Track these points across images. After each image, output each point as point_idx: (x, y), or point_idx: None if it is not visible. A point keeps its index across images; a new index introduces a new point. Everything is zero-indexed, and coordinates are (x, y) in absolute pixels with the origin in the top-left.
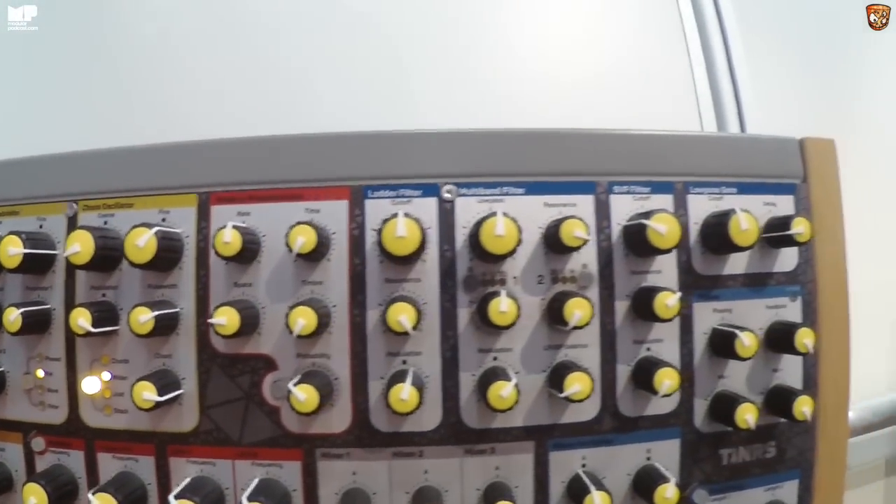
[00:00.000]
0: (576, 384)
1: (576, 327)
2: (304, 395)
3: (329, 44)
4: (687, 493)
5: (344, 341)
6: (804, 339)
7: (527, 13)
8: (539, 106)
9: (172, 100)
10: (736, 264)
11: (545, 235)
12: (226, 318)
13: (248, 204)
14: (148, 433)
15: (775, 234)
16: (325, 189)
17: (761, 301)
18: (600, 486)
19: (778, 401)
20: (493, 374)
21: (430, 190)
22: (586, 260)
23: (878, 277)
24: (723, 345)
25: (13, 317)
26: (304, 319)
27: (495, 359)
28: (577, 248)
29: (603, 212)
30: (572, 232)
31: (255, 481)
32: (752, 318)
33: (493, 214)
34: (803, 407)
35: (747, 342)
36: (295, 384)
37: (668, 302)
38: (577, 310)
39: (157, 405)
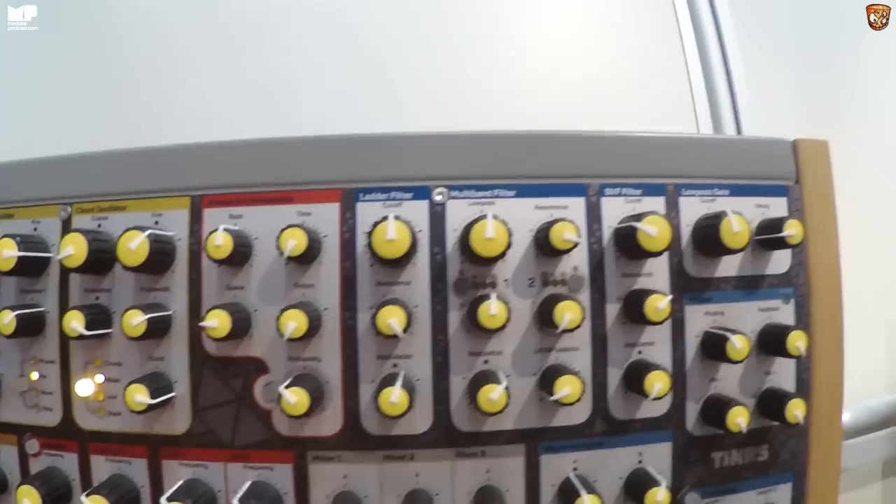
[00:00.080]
0: (566, 387)
1: (566, 330)
2: (295, 398)
3: (322, 48)
4: (679, 496)
5: (335, 344)
6: (796, 341)
7: (522, 16)
8: (535, 109)
9: (168, 102)
10: (728, 266)
11: (536, 238)
12: (217, 321)
13: (240, 207)
14: (141, 435)
15: (767, 236)
16: (316, 192)
17: (754, 303)
18: (591, 490)
19: (770, 404)
20: (484, 378)
21: (422, 193)
22: (577, 262)
23: (875, 279)
24: (715, 348)
25: (7, 319)
26: (294, 322)
27: (486, 362)
28: (567, 251)
29: (594, 214)
30: (562, 235)
31: (247, 484)
32: (745, 320)
33: (483, 217)
34: (796, 410)
35: (739, 345)
36: (286, 387)
37: (658, 305)
38: (568, 312)
39: (150, 408)
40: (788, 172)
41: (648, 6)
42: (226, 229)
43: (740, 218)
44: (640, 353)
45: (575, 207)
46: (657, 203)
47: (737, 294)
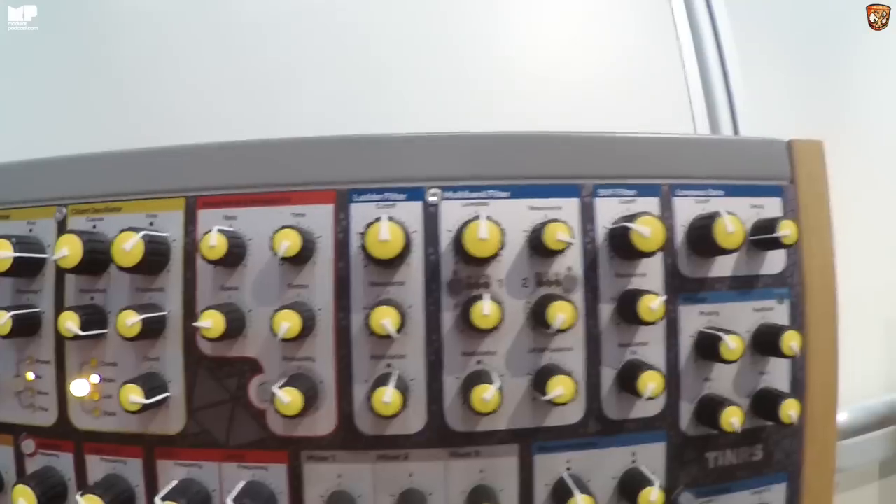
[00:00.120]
0: (559, 387)
1: (559, 330)
2: (289, 398)
3: (323, 48)
4: (674, 495)
5: (329, 344)
6: (790, 341)
7: (520, 17)
8: (534, 109)
9: (168, 102)
10: (723, 267)
11: (530, 239)
12: (211, 322)
13: (234, 208)
14: (136, 435)
15: (762, 236)
16: (310, 193)
17: (748, 304)
18: (585, 490)
19: (764, 404)
20: (477, 378)
21: (416, 194)
22: (571, 263)
23: (873, 279)
24: (709, 348)
25: (3, 320)
26: (288, 323)
27: (479, 362)
28: (560, 252)
29: (588, 215)
30: (555, 235)
31: (241, 484)
32: (739, 320)
33: (477, 218)
34: (790, 410)
35: (732, 345)
36: (279, 387)
37: (651, 305)
38: (561, 313)
39: (145, 408)
40: (783, 173)
41: (646, 6)
42: (220, 230)
43: (734, 218)
44: (634, 353)
45: (569, 208)
46: (651, 204)
47: (731, 294)
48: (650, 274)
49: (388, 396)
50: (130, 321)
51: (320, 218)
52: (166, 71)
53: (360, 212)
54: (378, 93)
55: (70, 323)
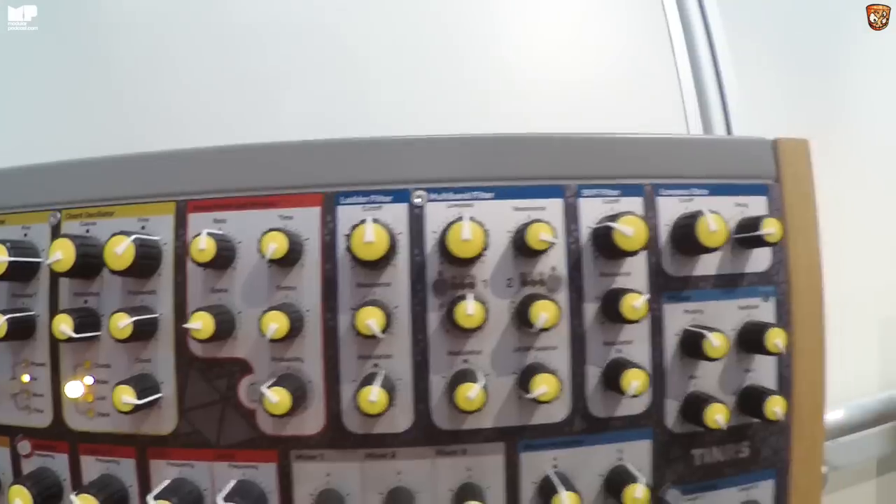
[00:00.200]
0: (542, 385)
1: (543, 329)
2: (277, 398)
3: (321, 50)
4: (660, 492)
5: (317, 345)
6: (774, 338)
7: (513, 18)
8: (527, 111)
9: (162, 104)
10: (707, 265)
11: (514, 239)
12: (201, 323)
13: (224, 211)
14: (129, 436)
15: (746, 234)
16: (298, 196)
17: (734, 302)
18: (570, 487)
19: (750, 401)
20: (462, 376)
21: (401, 196)
22: (555, 263)
23: (868, 278)
24: (693, 346)
25: None
26: (275, 323)
27: (465, 361)
28: (544, 251)
29: (571, 215)
30: (538, 235)
31: (232, 483)
32: (725, 318)
33: (460, 219)
34: (775, 407)
35: (716, 343)
36: (268, 387)
37: (634, 303)
38: (543, 312)
39: (137, 408)
40: (768, 171)
41: (638, 7)
42: (209, 233)
43: (717, 217)
44: (619, 351)
45: (553, 208)
46: (635, 203)
47: (716, 292)
48: (634, 273)
49: (373, 395)
50: (122, 323)
51: (308, 220)
52: (162, 73)
53: (346, 214)
54: (376, 95)
55: (64, 325)
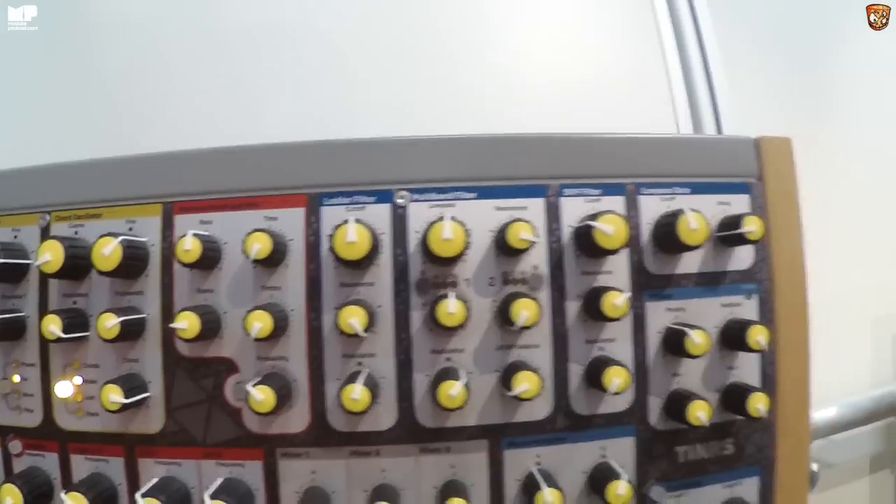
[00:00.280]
0: (524, 383)
1: (524, 327)
2: (262, 396)
3: (318, 54)
4: (644, 489)
5: (301, 344)
6: (756, 335)
7: (504, 21)
8: (515, 113)
9: (155, 106)
10: (690, 264)
11: (496, 238)
12: (187, 323)
13: (209, 213)
14: (117, 435)
15: (728, 232)
16: (282, 197)
17: (716, 299)
18: (553, 484)
19: (733, 398)
20: (445, 374)
21: (384, 196)
22: (537, 262)
23: (861, 278)
24: (676, 343)
25: None
26: (260, 323)
27: (448, 359)
28: (524, 250)
29: (553, 214)
30: (518, 234)
31: (219, 481)
32: (707, 316)
33: (441, 219)
34: (757, 404)
35: (698, 340)
36: (253, 385)
37: (615, 301)
38: (524, 310)
39: (125, 407)
40: (751, 170)
41: (629, 9)
42: (194, 234)
43: (698, 215)
44: (601, 349)
45: (534, 208)
46: (617, 203)
47: (698, 290)
48: (616, 271)
49: (356, 393)
50: (109, 324)
51: (292, 221)
52: (157, 76)
53: (330, 215)
54: (369, 100)
55: (53, 326)
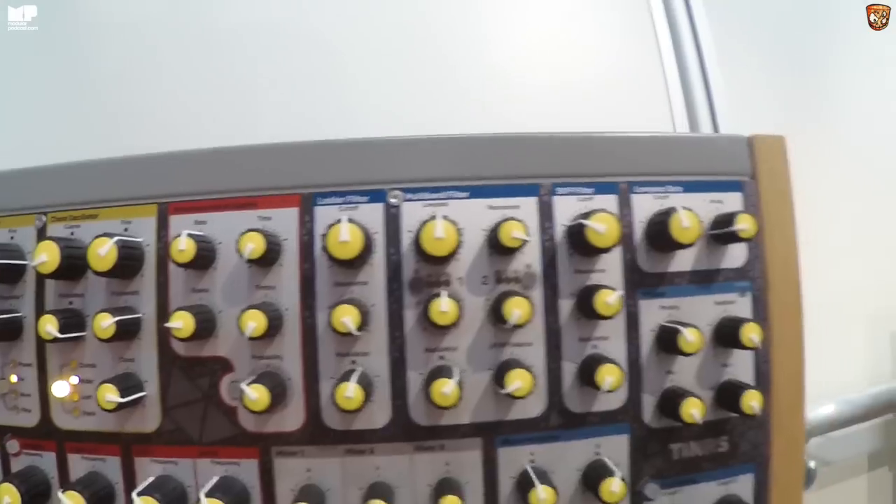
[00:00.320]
0: (517, 381)
1: (517, 325)
2: (256, 394)
3: (313, 57)
4: (639, 486)
5: (296, 343)
6: (749, 333)
7: (499, 21)
8: (511, 112)
9: (150, 107)
10: (683, 262)
11: (489, 237)
12: (182, 322)
13: (204, 213)
14: (114, 434)
15: (720, 230)
16: (276, 197)
17: (710, 297)
18: (547, 482)
19: (727, 396)
20: (438, 373)
21: (377, 196)
22: (530, 260)
23: (856, 276)
24: (669, 341)
25: None
26: (254, 322)
27: (441, 358)
28: (517, 249)
29: (546, 213)
30: (511, 233)
31: (215, 479)
32: (701, 314)
33: (434, 218)
34: (751, 401)
35: (691, 338)
36: (248, 384)
37: (608, 299)
38: (517, 308)
39: (121, 406)
40: (744, 168)
41: (625, 8)
42: (189, 234)
43: (690, 213)
44: (594, 347)
45: (527, 207)
46: (609, 201)
47: (692, 288)
48: (609, 270)
49: (350, 391)
50: (105, 323)
51: (286, 221)
52: (152, 77)
53: (324, 214)
54: (364, 101)
55: (49, 326)
